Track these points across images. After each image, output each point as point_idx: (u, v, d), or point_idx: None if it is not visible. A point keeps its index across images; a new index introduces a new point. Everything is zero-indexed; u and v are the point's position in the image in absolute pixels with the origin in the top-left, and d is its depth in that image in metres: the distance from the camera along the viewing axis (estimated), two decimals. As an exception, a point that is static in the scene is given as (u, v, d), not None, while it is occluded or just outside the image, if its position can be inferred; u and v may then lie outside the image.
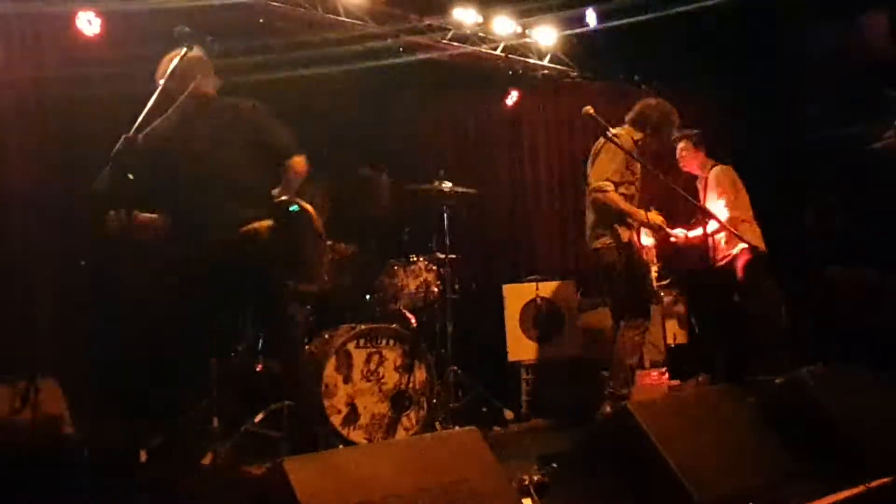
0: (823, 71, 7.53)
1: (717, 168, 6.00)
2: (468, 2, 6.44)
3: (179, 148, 3.73)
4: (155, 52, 3.79)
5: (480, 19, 6.51)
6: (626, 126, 4.99)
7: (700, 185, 6.11)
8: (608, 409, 4.61)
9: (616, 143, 4.63)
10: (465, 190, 5.77)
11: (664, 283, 5.82)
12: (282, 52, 5.54)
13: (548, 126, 7.64)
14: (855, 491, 3.32)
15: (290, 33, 5.69)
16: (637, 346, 4.84)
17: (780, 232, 6.28)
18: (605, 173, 4.74)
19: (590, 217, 4.95)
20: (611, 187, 4.71)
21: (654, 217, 4.90)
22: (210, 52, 3.58)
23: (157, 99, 3.13)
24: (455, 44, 6.59)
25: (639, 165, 4.84)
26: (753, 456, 3.24)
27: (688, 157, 6.08)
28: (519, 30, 6.82)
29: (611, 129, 4.64)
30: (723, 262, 5.93)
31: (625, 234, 4.78)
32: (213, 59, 3.78)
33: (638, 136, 4.94)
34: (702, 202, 5.83)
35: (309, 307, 5.31)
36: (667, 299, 6.46)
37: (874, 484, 3.38)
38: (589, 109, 4.55)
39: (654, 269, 5.25)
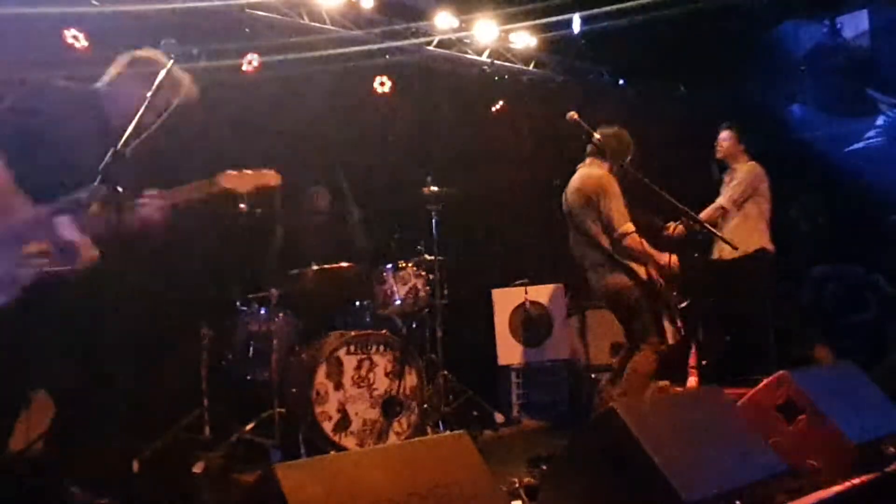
0: (807, 71, 7.59)
1: (751, 164, 6.13)
2: (453, 7, 6.48)
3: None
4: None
5: (465, 25, 6.56)
6: (590, 159, 4.89)
7: (727, 177, 6.22)
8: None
9: (603, 150, 4.64)
10: (453, 194, 5.80)
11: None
12: (267, 61, 5.57)
13: (533, 130, 7.68)
14: (841, 488, 3.36)
15: (275, 42, 5.71)
16: (653, 366, 4.73)
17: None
18: (623, 216, 4.65)
19: (591, 254, 4.80)
20: (633, 229, 4.64)
21: (675, 262, 4.78)
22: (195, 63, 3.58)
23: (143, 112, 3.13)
24: (441, 50, 6.64)
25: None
26: (741, 454, 3.27)
27: (730, 147, 6.20)
28: (503, 35, 6.86)
29: (595, 135, 4.66)
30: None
31: (641, 271, 4.69)
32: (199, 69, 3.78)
33: (605, 167, 4.83)
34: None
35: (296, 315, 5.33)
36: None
37: (860, 480, 3.42)
38: (573, 115, 4.58)
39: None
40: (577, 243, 4.89)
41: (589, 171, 4.79)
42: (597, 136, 4.69)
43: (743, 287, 6.01)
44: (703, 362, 6.10)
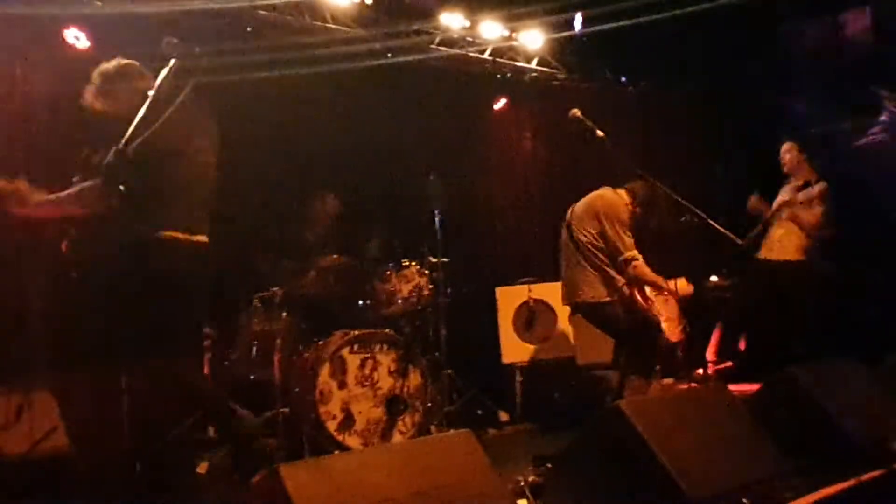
0: (809, 68, 7.57)
1: (825, 186, 6.15)
2: (456, 6, 6.48)
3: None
4: (144, 62, 3.80)
5: (468, 24, 6.56)
6: (622, 188, 5.02)
7: (789, 186, 6.30)
8: None
9: (604, 144, 4.64)
10: (456, 192, 5.79)
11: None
12: (270, 61, 5.56)
13: (537, 128, 7.67)
14: (847, 485, 3.35)
15: (278, 41, 5.70)
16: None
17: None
18: (628, 243, 4.76)
19: (583, 265, 4.88)
20: (640, 257, 4.75)
21: (684, 288, 4.94)
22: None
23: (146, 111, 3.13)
24: (443, 48, 6.63)
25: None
26: (746, 452, 3.26)
27: (792, 160, 6.28)
28: (506, 34, 6.86)
29: (598, 132, 4.64)
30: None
31: (627, 290, 4.77)
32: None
33: (629, 200, 4.96)
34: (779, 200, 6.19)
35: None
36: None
37: (866, 477, 3.41)
38: (576, 112, 4.57)
39: (674, 324, 5.12)
40: (566, 254, 5.01)
41: (603, 193, 4.92)
42: (598, 133, 4.68)
43: (784, 291, 6.07)
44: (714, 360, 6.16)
